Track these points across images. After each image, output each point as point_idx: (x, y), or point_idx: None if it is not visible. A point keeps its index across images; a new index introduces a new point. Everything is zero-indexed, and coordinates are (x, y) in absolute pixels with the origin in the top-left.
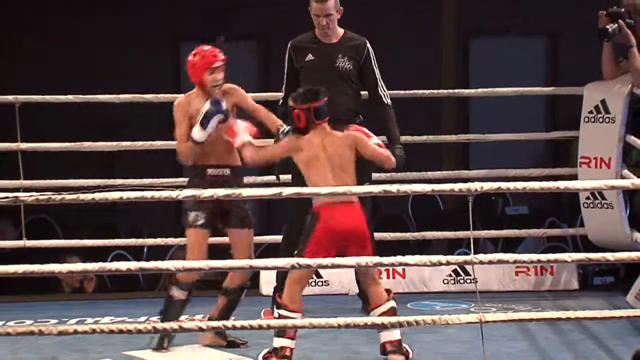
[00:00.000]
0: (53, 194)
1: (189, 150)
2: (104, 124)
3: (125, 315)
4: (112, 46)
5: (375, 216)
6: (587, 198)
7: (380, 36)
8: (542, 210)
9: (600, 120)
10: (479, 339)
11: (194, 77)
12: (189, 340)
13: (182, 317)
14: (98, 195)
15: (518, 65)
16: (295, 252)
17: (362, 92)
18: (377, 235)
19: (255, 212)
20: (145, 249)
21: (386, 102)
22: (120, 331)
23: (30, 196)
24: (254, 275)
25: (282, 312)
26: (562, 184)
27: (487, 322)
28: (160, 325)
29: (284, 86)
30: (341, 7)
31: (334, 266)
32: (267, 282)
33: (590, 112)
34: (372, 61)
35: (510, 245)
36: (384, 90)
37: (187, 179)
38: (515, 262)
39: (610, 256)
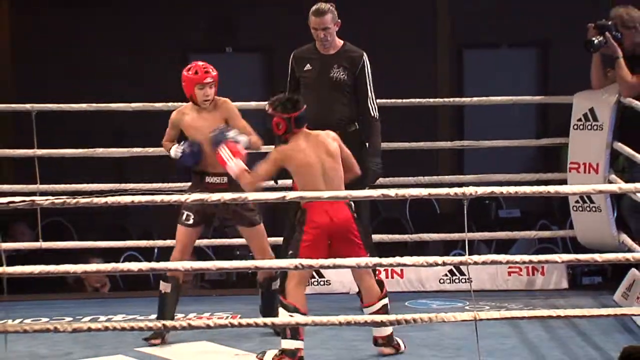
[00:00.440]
0: (68, 198)
1: (167, 150)
2: (114, 129)
3: (136, 313)
4: (122, 53)
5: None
6: (577, 202)
7: (380, 39)
8: (534, 213)
9: (589, 127)
10: (474, 336)
11: (186, 91)
12: (195, 337)
13: (191, 315)
14: (111, 199)
15: (510, 75)
16: (290, 252)
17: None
18: (377, 237)
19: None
20: (156, 250)
21: (373, 114)
22: (132, 328)
23: (46, 200)
24: (254, 275)
25: (297, 315)
26: (552, 189)
27: (481, 319)
28: (169, 323)
29: (286, 93)
30: (339, 20)
31: (335, 266)
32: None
33: (579, 119)
34: (367, 74)
35: (503, 246)
36: (374, 103)
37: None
38: (507, 262)
39: (598, 257)
